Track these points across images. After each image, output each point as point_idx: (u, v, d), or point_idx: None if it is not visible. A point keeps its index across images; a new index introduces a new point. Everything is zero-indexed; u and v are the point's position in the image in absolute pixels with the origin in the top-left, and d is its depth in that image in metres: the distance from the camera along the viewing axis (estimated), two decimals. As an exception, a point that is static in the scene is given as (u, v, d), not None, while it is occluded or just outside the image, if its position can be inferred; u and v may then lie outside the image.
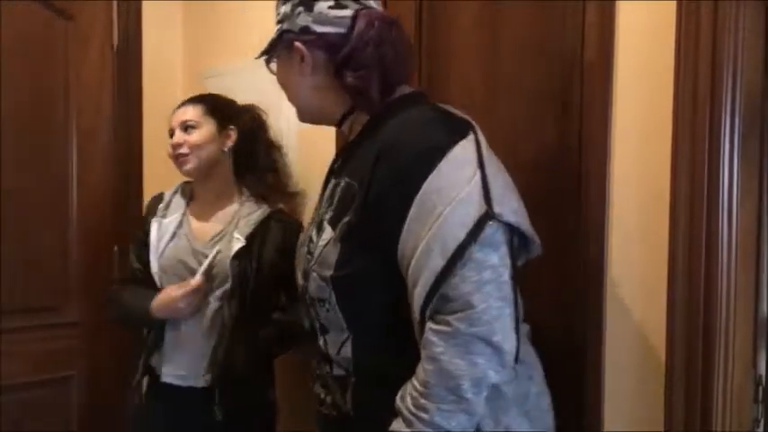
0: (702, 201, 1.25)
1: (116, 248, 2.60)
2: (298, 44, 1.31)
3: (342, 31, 1.29)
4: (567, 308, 1.51)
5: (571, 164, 1.51)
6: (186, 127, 1.98)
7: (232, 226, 1.97)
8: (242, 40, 2.48)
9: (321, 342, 1.30)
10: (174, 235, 2.00)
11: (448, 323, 1.10)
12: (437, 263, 1.10)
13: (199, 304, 1.89)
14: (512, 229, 1.15)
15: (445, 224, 1.10)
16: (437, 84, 1.72)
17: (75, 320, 2.56)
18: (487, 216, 1.10)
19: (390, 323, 1.23)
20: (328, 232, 1.24)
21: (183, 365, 1.94)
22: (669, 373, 1.29)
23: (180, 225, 2.01)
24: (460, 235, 1.09)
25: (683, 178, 1.26)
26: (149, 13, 2.68)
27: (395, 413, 1.17)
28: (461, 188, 1.11)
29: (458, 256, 1.09)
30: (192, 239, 1.98)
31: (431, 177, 1.12)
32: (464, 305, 1.09)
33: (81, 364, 2.58)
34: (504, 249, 1.13)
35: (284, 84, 1.40)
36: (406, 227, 1.13)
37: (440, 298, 1.10)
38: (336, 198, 1.26)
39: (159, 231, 2.00)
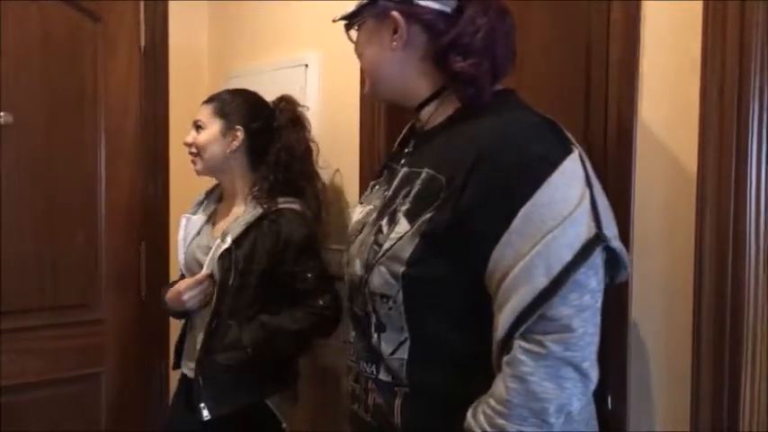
0: (729, 199, 1.23)
1: (143, 246, 2.64)
2: (395, 14, 1.23)
3: (447, 10, 1.21)
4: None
5: (596, 162, 1.50)
6: (197, 126, 2.03)
7: (230, 226, 1.97)
8: (267, 40, 2.50)
9: (374, 339, 1.22)
10: (199, 232, 2.06)
11: (541, 344, 1.05)
12: (540, 281, 1.04)
13: (204, 298, 1.95)
14: (609, 254, 1.11)
15: (554, 242, 1.04)
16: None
17: (103, 317, 2.61)
18: (597, 239, 1.06)
19: (455, 333, 1.17)
20: (403, 225, 1.16)
21: (191, 357, 2.00)
22: (695, 373, 1.28)
23: (206, 222, 2.08)
24: (567, 256, 1.04)
25: (710, 177, 1.25)
26: (176, 15, 2.72)
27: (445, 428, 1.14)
28: (571, 206, 1.06)
29: (563, 278, 1.04)
30: (208, 237, 2.03)
31: (540, 191, 1.06)
32: (562, 328, 1.05)
33: (109, 360, 2.62)
34: (601, 274, 1.09)
35: (365, 55, 1.32)
36: (504, 239, 1.07)
37: (537, 318, 1.05)
38: (415, 190, 1.18)
39: (187, 228, 2.07)
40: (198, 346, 1.94)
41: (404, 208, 1.18)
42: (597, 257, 1.07)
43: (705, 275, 1.26)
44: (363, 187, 2.05)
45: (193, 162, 2.04)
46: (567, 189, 1.07)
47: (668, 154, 1.36)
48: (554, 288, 1.04)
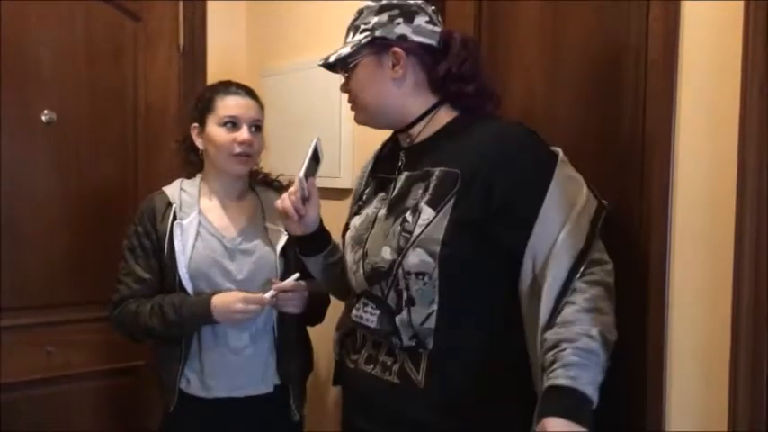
0: (770, 200, 1.22)
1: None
2: (397, 49, 1.46)
3: (433, 43, 1.47)
4: (628, 306, 1.49)
5: (634, 161, 1.49)
6: (255, 128, 1.92)
7: (259, 217, 1.95)
8: (302, 39, 2.52)
9: (403, 313, 1.40)
10: (197, 236, 1.88)
11: (594, 274, 1.34)
12: (580, 240, 1.33)
13: (302, 303, 1.85)
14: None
15: (582, 212, 1.34)
16: (497, 80, 1.71)
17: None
18: (602, 207, 1.38)
19: (481, 304, 1.40)
20: (429, 213, 1.39)
21: (239, 376, 1.88)
22: (733, 373, 1.26)
23: (200, 224, 1.89)
24: (589, 219, 1.35)
25: (750, 177, 1.23)
26: (214, 14, 2.75)
27: (466, 387, 1.38)
28: (580, 183, 1.38)
29: (592, 233, 1.35)
30: (220, 238, 1.90)
31: (555, 176, 1.36)
32: (602, 262, 1.37)
33: (149, 354, 2.66)
34: None
35: (364, 88, 1.51)
36: (542, 216, 1.33)
37: (587, 263, 1.34)
38: (433, 184, 1.41)
39: (183, 236, 1.86)
40: (259, 359, 1.88)
41: (425, 199, 1.40)
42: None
43: (744, 275, 1.25)
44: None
45: (244, 162, 1.90)
46: (571, 172, 1.39)
47: (708, 152, 1.35)
48: (590, 241, 1.33)
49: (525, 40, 1.75)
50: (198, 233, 1.88)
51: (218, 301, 1.79)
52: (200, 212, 1.91)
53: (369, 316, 1.48)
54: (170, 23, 2.67)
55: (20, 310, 2.40)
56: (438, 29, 1.49)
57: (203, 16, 2.73)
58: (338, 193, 2.25)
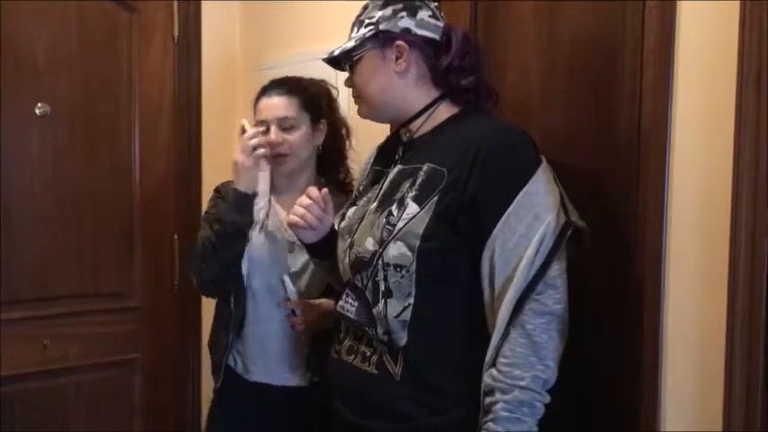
0: (765, 192, 1.21)
1: (176, 237, 2.68)
2: (401, 42, 1.47)
3: (436, 37, 1.49)
4: (623, 302, 1.49)
5: (630, 155, 1.48)
6: (284, 126, 1.87)
7: None
8: (298, 31, 2.50)
9: (380, 305, 1.42)
10: (262, 225, 1.90)
11: (541, 303, 1.33)
12: (538, 258, 1.32)
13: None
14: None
15: (543, 226, 1.32)
16: (493, 77, 1.70)
17: (138, 305, 2.66)
18: (567, 225, 1.35)
19: (455, 299, 1.41)
20: (413, 207, 1.40)
21: (279, 365, 1.91)
22: (729, 373, 1.26)
23: (267, 215, 1.92)
24: (552, 237, 1.33)
25: (745, 170, 1.22)
26: (209, 5, 2.74)
27: (441, 384, 1.38)
28: (550, 198, 1.35)
29: (552, 253, 1.33)
30: (279, 231, 1.90)
31: (529, 184, 1.34)
32: (553, 288, 1.35)
33: (144, 347, 2.67)
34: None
35: (368, 81, 1.52)
36: (503, 219, 1.33)
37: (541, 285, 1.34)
38: (420, 180, 1.42)
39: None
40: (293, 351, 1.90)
41: (411, 194, 1.42)
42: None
43: (740, 269, 1.24)
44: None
45: (281, 162, 1.89)
46: (546, 184, 1.36)
47: (704, 145, 1.34)
48: (549, 261, 1.32)
49: (521, 36, 1.74)
50: (263, 223, 1.90)
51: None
52: (269, 202, 1.93)
53: (349, 306, 1.49)
54: (164, 14, 2.65)
55: (16, 303, 2.39)
56: (441, 23, 1.51)
57: (198, 7, 2.71)
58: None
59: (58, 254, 2.47)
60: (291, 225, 1.60)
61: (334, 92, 2.01)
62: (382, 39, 1.49)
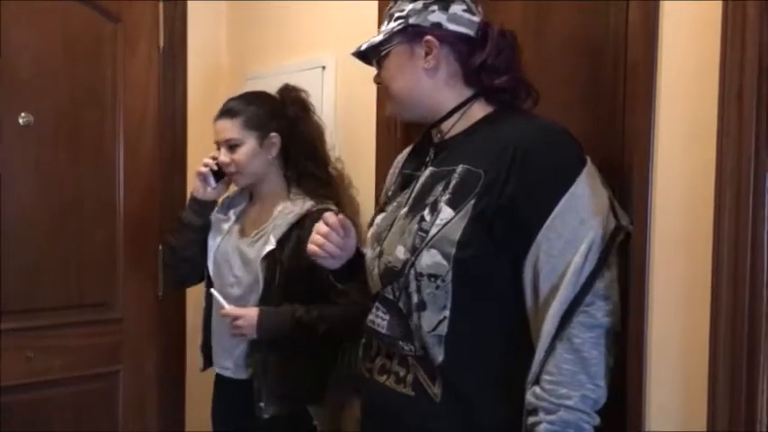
0: (748, 203, 1.21)
1: (160, 247, 2.66)
2: (430, 37, 1.39)
3: (470, 33, 1.40)
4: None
5: (613, 165, 1.49)
6: (230, 146, 2.00)
7: (270, 226, 1.98)
8: (285, 42, 2.50)
9: (414, 318, 1.34)
10: (228, 231, 2.08)
11: (591, 315, 1.26)
12: (588, 265, 1.26)
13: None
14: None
15: (591, 231, 1.26)
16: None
17: (121, 317, 2.64)
18: (618, 230, 1.30)
19: (494, 312, 1.33)
20: (447, 212, 1.32)
21: (227, 357, 2.03)
22: (713, 375, 1.27)
23: (234, 222, 2.09)
24: (600, 242, 1.27)
25: (728, 180, 1.23)
26: (195, 15, 2.73)
27: (482, 402, 1.31)
28: (599, 200, 1.29)
29: (601, 260, 1.28)
30: (236, 238, 2.05)
31: (575, 185, 1.27)
32: (604, 299, 1.29)
33: (127, 359, 2.65)
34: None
35: (395, 77, 1.45)
36: (548, 223, 1.25)
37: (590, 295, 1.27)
38: (453, 182, 1.34)
39: (216, 229, 2.09)
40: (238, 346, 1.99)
41: (444, 198, 1.34)
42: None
43: (723, 279, 1.25)
44: (380, 186, 2.05)
45: (234, 180, 2.06)
46: (593, 186, 1.28)
47: (687, 155, 1.35)
48: (598, 269, 1.25)
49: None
50: (230, 230, 2.08)
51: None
52: (242, 212, 2.12)
53: (380, 321, 1.41)
54: (150, 24, 2.64)
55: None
56: (476, 18, 1.42)
57: (184, 17, 2.70)
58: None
59: (41, 265, 2.45)
60: (312, 255, 1.51)
61: (303, 95, 2.07)
62: (411, 33, 1.41)
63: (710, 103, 1.27)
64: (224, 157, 2.01)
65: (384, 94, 1.49)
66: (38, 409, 2.47)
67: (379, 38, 1.44)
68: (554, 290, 1.24)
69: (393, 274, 1.37)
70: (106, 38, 2.56)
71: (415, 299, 1.34)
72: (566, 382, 1.23)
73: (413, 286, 1.34)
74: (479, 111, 1.43)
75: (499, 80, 1.40)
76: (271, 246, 1.92)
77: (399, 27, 1.41)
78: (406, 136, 1.96)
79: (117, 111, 2.59)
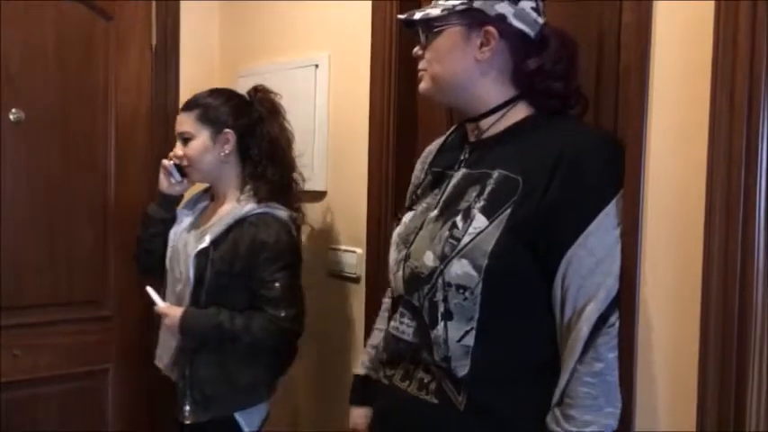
0: (738, 204, 1.22)
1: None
2: (491, 29, 1.30)
3: (532, 34, 1.33)
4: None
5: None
6: (184, 138, 1.99)
7: (209, 225, 1.97)
8: (278, 40, 2.50)
9: (439, 327, 1.28)
10: (187, 227, 2.07)
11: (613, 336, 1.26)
12: (614, 286, 1.26)
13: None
14: None
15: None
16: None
17: (111, 315, 2.62)
18: None
19: (523, 325, 1.28)
20: (481, 221, 1.25)
21: (166, 354, 2.05)
22: (702, 375, 1.27)
23: (196, 218, 2.09)
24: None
25: (719, 182, 1.23)
26: (187, 14, 2.73)
27: (509, 415, 1.26)
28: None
29: None
30: (187, 233, 2.04)
31: (614, 202, 1.25)
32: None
33: (117, 357, 2.64)
34: None
35: (442, 60, 1.35)
36: (580, 240, 1.21)
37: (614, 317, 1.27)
38: (489, 188, 1.28)
39: (178, 222, 2.09)
40: (174, 345, 1.97)
41: (478, 205, 1.27)
42: None
43: (713, 280, 1.25)
44: (372, 186, 2.06)
45: (188, 175, 2.03)
46: (619, 211, 1.26)
47: (679, 157, 1.35)
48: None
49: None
50: (189, 226, 2.06)
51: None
52: (203, 210, 2.10)
53: (405, 328, 1.36)
54: (142, 23, 2.64)
55: (-14, 312, 2.36)
56: (541, 20, 1.34)
57: (176, 15, 2.70)
58: (312, 196, 2.25)
59: (29, 263, 2.44)
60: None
61: (273, 97, 2.05)
62: (472, 18, 1.30)
63: (702, 105, 1.27)
64: (178, 149, 2.01)
65: (422, 69, 1.40)
66: (26, 408, 2.45)
67: (436, 11, 1.33)
68: (579, 312, 1.22)
69: (419, 281, 1.32)
70: (99, 36, 2.56)
71: (441, 308, 1.28)
72: (586, 406, 1.22)
73: (439, 295, 1.28)
74: (521, 112, 1.36)
75: (554, 86, 1.33)
76: (204, 244, 1.90)
77: (462, 7, 1.31)
78: (399, 134, 1.97)
79: (108, 109, 2.59)
